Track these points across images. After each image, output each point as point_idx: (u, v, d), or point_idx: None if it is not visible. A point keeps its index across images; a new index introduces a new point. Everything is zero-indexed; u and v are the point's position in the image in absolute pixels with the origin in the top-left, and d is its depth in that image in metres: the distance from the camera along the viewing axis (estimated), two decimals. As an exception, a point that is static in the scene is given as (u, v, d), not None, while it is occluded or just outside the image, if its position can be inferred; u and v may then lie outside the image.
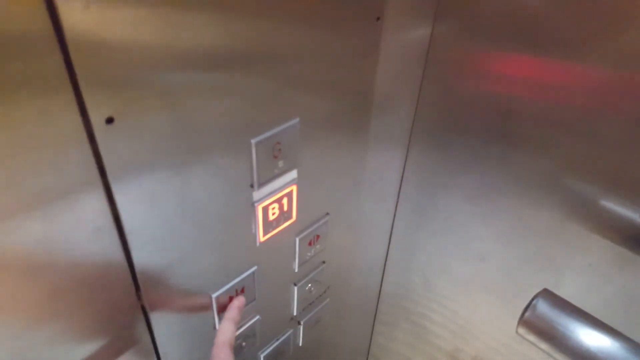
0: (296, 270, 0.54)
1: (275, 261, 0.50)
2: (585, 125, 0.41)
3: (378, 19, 0.44)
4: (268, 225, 0.45)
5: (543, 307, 0.36)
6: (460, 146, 0.53)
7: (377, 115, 0.52)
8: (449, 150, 0.55)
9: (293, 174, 0.45)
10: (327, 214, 0.54)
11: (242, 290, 0.46)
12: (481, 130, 0.50)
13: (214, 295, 0.43)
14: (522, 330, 0.37)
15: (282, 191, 0.44)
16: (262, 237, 0.45)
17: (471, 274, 0.59)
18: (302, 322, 0.61)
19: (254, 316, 0.51)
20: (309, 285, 0.58)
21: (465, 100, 0.51)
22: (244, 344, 0.51)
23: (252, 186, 0.41)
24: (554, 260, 0.48)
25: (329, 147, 0.49)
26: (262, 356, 0.57)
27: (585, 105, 0.40)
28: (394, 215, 0.67)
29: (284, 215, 0.46)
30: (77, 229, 0.28)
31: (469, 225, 0.57)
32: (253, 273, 0.47)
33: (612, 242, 0.42)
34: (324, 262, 0.58)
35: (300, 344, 0.63)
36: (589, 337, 0.34)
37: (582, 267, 0.45)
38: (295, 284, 0.56)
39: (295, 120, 0.41)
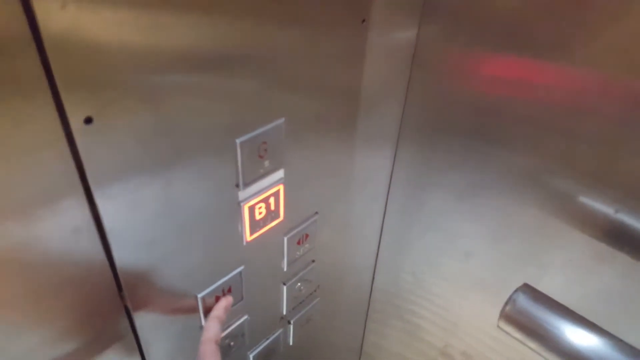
0: (285, 269, 0.54)
1: (263, 260, 0.50)
2: (565, 124, 0.42)
3: (364, 21, 0.44)
4: (255, 225, 0.45)
5: (522, 301, 0.37)
6: (448, 146, 0.54)
7: (364, 115, 0.52)
8: (436, 150, 0.55)
9: (279, 173, 0.45)
10: (316, 213, 0.54)
11: (229, 290, 0.47)
12: (467, 130, 0.51)
13: (199, 295, 0.43)
14: (502, 324, 0.37)
15: (268, 191, 0.44)
16: (249, 237, 0.45)
17: (459, 270, 0.60)
18: (292, 321, 0.61)
19: (242, 316, 0.51)
20: (299, 284, 0.58)
21: (452, 100, 0.51)
22: (232, 343, 0.51)
23: (237, 186, 0.41)
24: (537, 256, 0.49)
25: (317, 147, 0.49)
26: (251, 356, 0.57)
27: (565, 105, 0.41)
28: (384, 214, 0.67)
29: (271, 215, 0.47)
30: (56, 229, 0.28)
31: (457, 222, 0.58)
32: (240, 273, 0.47)
33: (591, 237, 0.42)
34: (313, 261, 0.59)
35: (291, 343, 0.64)
36: (567, 330, 0.35)
37: (564, 262, 0.46)
38: (284, 283, 0.56)
39: (281, 121, 0.42)
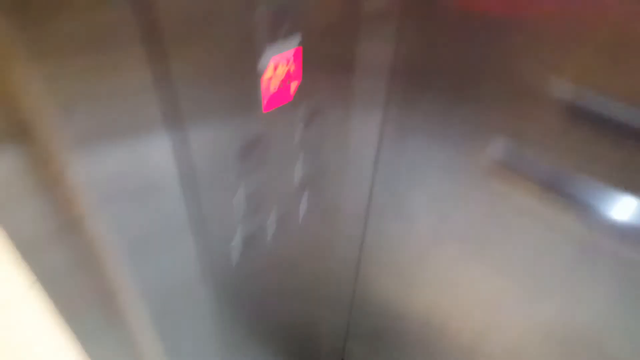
0: (298, 143, 0.62)
1: (279, 130, 0.58)
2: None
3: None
4: (270, 92, 0.52)
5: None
6: (434, 85, 0.60)
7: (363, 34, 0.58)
8: (424, 91, 0.62)
9: (297, 37, 0.51)
10: (324, 97, 0.61)
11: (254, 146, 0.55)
12: (449, 65, 0.57)
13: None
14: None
15: (286, 55, 0.51)
16: (272, 89, 0.52)
17: (440, 187, 0.69)
18: (305, 192, 0.69)
19: (262, 179, 0.59)
20: (310, 159, 0.66)
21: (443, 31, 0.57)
22: (252, 206, 0.60)
23: (257, 48, 0.48)
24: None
25: (327, 29, 0.55)
26: (267, 223, 0.66)
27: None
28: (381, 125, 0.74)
29: (289, 79, 0.54)
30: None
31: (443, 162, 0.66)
32: (259, 137, 0.55)
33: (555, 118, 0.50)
34: (321, 141, 0.66)
35: (300, 221, 0.73)
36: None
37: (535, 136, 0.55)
38: (297, 157, 0.64)
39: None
